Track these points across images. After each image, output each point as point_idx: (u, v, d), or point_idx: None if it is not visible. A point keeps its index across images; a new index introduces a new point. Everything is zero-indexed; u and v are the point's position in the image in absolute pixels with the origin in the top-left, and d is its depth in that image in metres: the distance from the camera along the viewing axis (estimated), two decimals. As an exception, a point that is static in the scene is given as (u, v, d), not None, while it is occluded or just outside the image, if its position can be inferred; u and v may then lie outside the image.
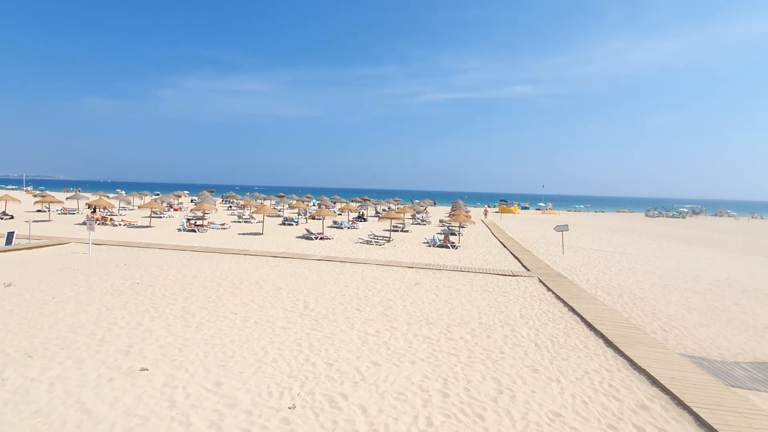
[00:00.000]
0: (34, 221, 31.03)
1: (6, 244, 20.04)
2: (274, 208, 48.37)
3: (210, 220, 36.45)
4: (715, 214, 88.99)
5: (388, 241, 27.30)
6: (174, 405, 6.48)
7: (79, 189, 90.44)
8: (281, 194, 72.14)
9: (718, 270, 21.08)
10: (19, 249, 19.30)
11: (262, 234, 29.85)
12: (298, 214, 45.00)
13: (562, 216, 69.67)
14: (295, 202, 50.19)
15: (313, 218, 42.91)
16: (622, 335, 10.14)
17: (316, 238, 27.69)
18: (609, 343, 9.78)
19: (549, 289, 15.09)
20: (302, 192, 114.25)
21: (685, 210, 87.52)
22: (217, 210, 42.74)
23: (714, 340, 10.72)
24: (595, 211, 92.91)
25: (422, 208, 52.72)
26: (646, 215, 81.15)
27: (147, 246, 21.83)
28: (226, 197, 67.25)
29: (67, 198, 46.14)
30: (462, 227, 36.16)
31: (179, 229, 30.83)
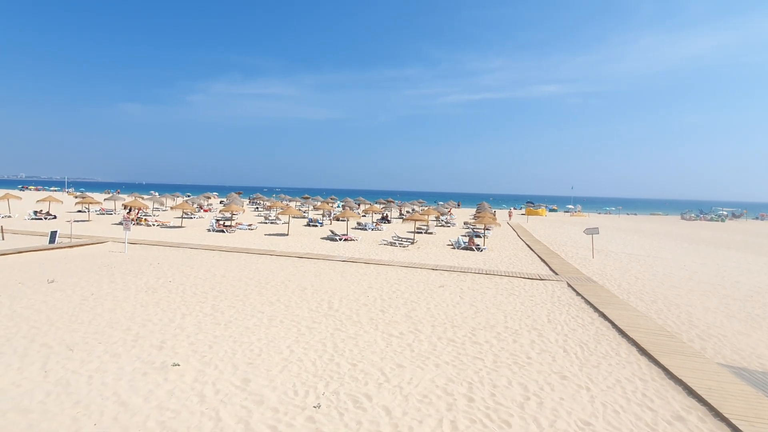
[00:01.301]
0: (75, 221, 32.72)
1: (49, 242, 21.19)
2: (299, 210, 49.12)
3: (238, 221, 37.39)
4: (757, 218, 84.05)
5: (412, 243, 27.23)
6: (204, 400, 6.68)
7: (119, 191, 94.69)
8: (306, 196, 73.20)
9: (760, 276, 19.93)
10: (61, 247, 20.37)
11: (287, 235, 30.37)
12: (323, 215, 45.52)
13: (592, 218, 67.57)
14: (319, 203, 50.80)
15: (338, 219, 43.31)
16: (657, 343, 9.73)
17: (340, 240, 27.93)
18: (642, 351, 9.41)
19: (578, 294, 14.67)
20: (327, 194, 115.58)
21: (725, 213, 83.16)
22: (244, 211, 43.82)
23: (755, 349, 10.13)
24: (627, 214, 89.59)
25: (446, 210, 52.35)
26: (683, 218, 77.60)
27: (179, 245, 22.60)
28: (253, 199, 68.82)
29: (105, 199, 48.42)
30: (487, 229, 35.65)
31: (209, 230, 31.76)
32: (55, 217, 36.45)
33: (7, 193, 42.56)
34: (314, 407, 6.57)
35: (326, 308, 12.01)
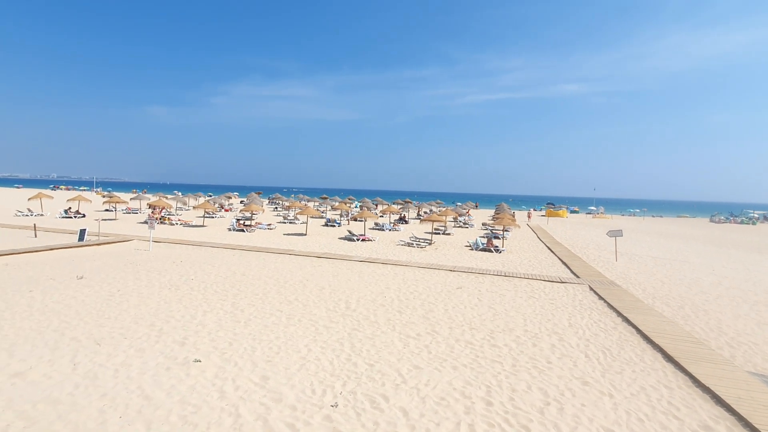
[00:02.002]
0: (102, 220, 33.86)
1: (79, 240, 22.00)
2: (318, 210, 49.53)
3: (257, 221, 37.98)
4: None
5: (430, 244, 27.10)
6: (224, 396, 6.81)
7: (145, 190, 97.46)
8: (324, 196, 73.81)
9: (798, 282, 18.99)
10: (89, 245, 21.11)
11: (305, 235, 30.67)
12: (341, 215, 45.79)
13: (615, 220, 65.84)
14: (337, 204, 51.13)
15: (355, 220, 43.49)
16: (684, 350, 9.41)
17: (357, 240, 28.04)
18: (668, 358, 9.11)
19: (600, 298, 14.32)
20: (344, 194, 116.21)
21: (756, 216, 79.65)
22: (264, 211, 44.46)
23: (792, 360, 9.67)
24: (653, 216, 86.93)
25: (464, 211, 51.89)
26: (711, 221, 74.76)
27: (200, 244, 23.12)
28: (273, 199, 69.77)
29: (131, 199, 49.94)
30: (506, 231, 35.17)
31: (229, 229, 32.37)
32: (84, 216, 37.80)
33: (40, 193, 44.38)
34: (332, 406, 6.61)
35: (344, 308, 12.07)
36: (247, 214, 39.28)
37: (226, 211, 51.34)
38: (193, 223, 36.04)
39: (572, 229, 44.13)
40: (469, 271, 18.16)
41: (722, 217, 76.46)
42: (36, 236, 23.85)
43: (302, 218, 42.28)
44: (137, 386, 7.01)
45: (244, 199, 66.35)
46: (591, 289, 15.70)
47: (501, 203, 65.27)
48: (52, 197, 50.98)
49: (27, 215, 37.47)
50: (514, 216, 43.03)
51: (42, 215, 37.95)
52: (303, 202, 61.67)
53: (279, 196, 70.87)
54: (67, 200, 45.31)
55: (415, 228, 38.57)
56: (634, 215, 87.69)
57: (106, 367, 7.70)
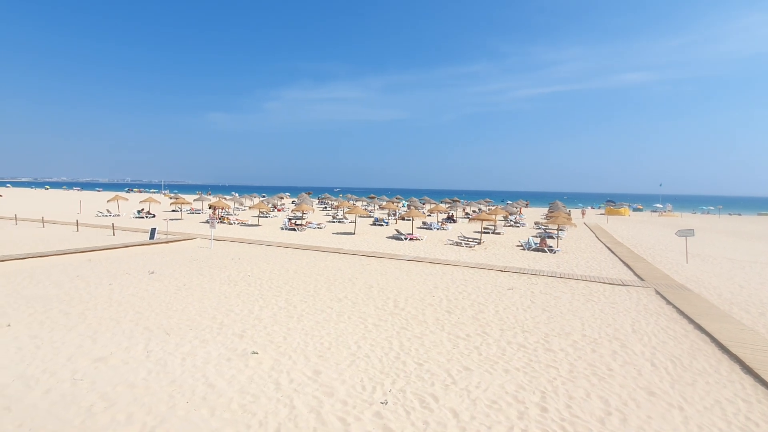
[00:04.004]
0: (170, 219, 36.64)
1: (150, 238, 23.96)
2: (366, 209, 50.19)
3: (308, 220, 39.22)
4: None
5: (479, 243, 26.52)
6: (279, 388, 7.11)
7: (210, 192, 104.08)
8: (372, 196, 74.60)
9: None
10: (159, 243, 22.93)
11: (354, 234, 31.20)
12: (388, 215, 46.07)
13: (685, 219, 60.54)
14: (385, 203, 51.50)
15: (403, 219, 43.56)
16: (765, 361, 8.46)
17: (405, 239, 28.07)
18: (747, 370, 8.23)
19: (669, 303, 13.25)
20: (392, 193, 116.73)
21: None
22: (314, 210, 45.82)
23: None
24: (729, 214, 78.84)
25: (515, 210, 50.22)
26: (802, 219, 66.47)
27: (256, 243, 24.29)
28: (322, 199, 71.68)
29: (194, 200, 53.63)
30: (561, 230, 33.57)
31: (282, 228, 33.71)
32: (154, 216, 41.10)
33: (117, 195, 48.93)
34: (381, 403, 6.68)
35: (392, 306, 12.14)
36: (298, 214, 40.68)
37: (279, 211, 53.50)
38: (249, 223, 37.92)
39: (635, 228, 41.18)
40: (521, 272, 17.55)
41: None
42: (114, 234, 26.32)
43: (350, 217, 43.05)
44: (202, 374, 7.51)
45: (296, 200, 68.77)
46: (657, 292, 14.58)
47: (555, 201, 62.40)
48: (127, 199, 55.97)
49: (106, 215, 41.42)
50: (569, 214, 40.95)
51: (118, 215, 41.75)
52: (351, 202, 62.77)
53: (328, 196, 72.67)
54: (140, 202, 49.70)
55: (464, 227, 37.90)
56: (708, 213, 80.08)
57: (175, 355, 8.32)
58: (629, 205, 78.90)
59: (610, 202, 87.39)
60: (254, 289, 13.75)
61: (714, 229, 44.52)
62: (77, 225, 29.94)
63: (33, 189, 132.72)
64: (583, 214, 59.94)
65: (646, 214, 70.64)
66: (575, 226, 29.25)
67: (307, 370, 7.80)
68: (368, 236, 29.86)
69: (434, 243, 26.86)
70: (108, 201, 51.19)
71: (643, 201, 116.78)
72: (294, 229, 32.82)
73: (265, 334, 9.65)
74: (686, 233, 21.89)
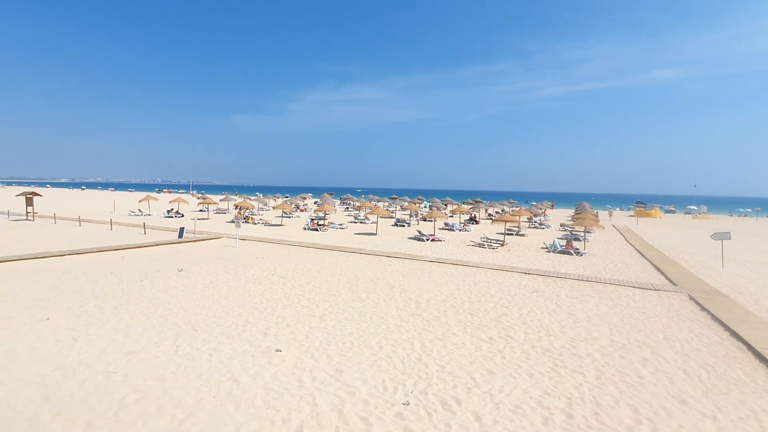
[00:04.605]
0: (198, 219, 37.72)
1: (178, 237, 24.74)
2: (387, 210, 50.24)
3: (330, 220, 39.59)
4: None
5: (502, 245, 26.12)
6: (302, 385, 7.21)
7: (236, 192, 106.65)
8: (394, 196, 74.64)
9: None
10: (187, 241, 23.65)
11: (376, 234, 31.28)
12: (410, 215, 45.96)
13: (720, 221, 57.82)
14: (407, 204, 51.41)
15: (425, 220, 43.38)
16: (814, 374, 7.98)
17: (427, 240, 27.94)
18: (792, 382, 7.79)
19: (703, 309, 12.69)
20: (414, 194, 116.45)
21: None
22: (336, 211, 46.21)
23: None
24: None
25: (540, 211, 49.20)
26: None
27: (279, 242, 24.71)
28: (344, 199, 72.22)
29: (220, 200, 55.03)
30: (588, 232, 32.68)
31: (304, 228, 34.15)
32: (182, 216, 42.40)
33: (148, 195, 50.74)
34: (403, 404, 6.67)
35: (413, 308, 12.11)
36: (321, 214, 41.11)
37: (302, 211, 54.22)
38: (273, 222, 38.60)
39: (667, 231, 39.64)
40: (546, 275, 17.18)
41: None
42: (145, 233, 27.31)
43: (372, 218, 43.20)
44: (227, 370, 7.70)
45: (318, 200, 69.57)
46: (691, 298, 13.99)
47: (582, 202, 60.78)
48: (158, 199, 57.94)
49: (138, 215, 43.02)
50: (597, 216, 39.80)
51: (149, 215, 43.27)
52: (373, 203, 62.98)
53: (350, 196, 73.19)
54: (169, 202, 51.33)
55: (486, 228, 37.42)
56: (745, 216, 76.22)
57: (202, 351, 8.56)
58: (661, 207, 76.05)
59: (640, 203, 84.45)
60: (278, 287, 13.98)
61: (751, 232, 42.33)
62: (111, 224, 31.22)
63: (70, 189, 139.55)
64: (610, 215, 58.20)
65: (678, 216, 67.90)
66: (603, 228, 28.40)
67: (329, 369, 7.88)
68: (390, 237, 29.89)
69: (456, 244, 26.63)
70: (140, 201, 53.27)
71: (676, 202, 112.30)
72: (316, 229, 33.19)
73: (288, 332, 9.80)
74: (722, 236, 20.91)
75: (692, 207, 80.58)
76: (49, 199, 69.42)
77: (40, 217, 36.52)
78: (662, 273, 18.32)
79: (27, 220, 34.32)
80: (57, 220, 34.21)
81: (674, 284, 16.00)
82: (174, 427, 5.86)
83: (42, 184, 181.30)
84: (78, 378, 7.23)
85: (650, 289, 15.12)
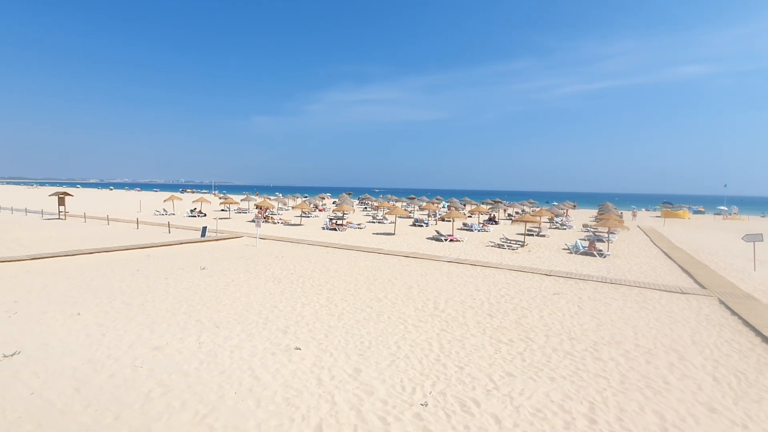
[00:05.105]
0: (219, 218, 38.53)
1: (201, 236, 25.34)
2: (405, 210, 50.18)
3: (348, 220, 39.80)
4: None
5: (522, 246, 25.73)
6: (321, 383, 7.28)
7: (257, 192, 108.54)
8: (412, 196, 74.47)
9: None
10: (209, 240, 24.19)
11: (394, 234, 31.28)
12: (428, 215, 45.77)
13: (752, 223, 55.41)
14: (425, 203, 51.21)
15: (443, 220, 43.13)
16: None
17: (445, 240, 27.77)
18: (832, 392, 7.41)
19: (734, 313, 12.20)
20: (432, 194, 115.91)
21: None
22: (354, 211, 46.42)
23: None
24: (808, 218, 71.22)
25: (562, 211, 48.23)
26: None
27: (298, 241, 25.00)
28: (362, 199, 72.47)
29: (241, 200, 56.14)
30: (612, 233, 31.85)
31: (323, 228, 34.45)
32: (205, 215, 43.39)
33: (172, 195, 52.19)
34: (421, 405, 6.66)
35: (432, 308, 12.06)
36: (339, 214, 41.39)
37: (320, 211, 54.69)
38: (292, 222, 39.07)
39: (695, 232, 38.25)
40: (568, 276, 16.83)
41: None
42: (169, 232, 28.08)
43: (390, 218, 43.21)
44: (248, 367, 7.85)
45: (336, 200, 70.03)
46: (721, 302, 13.47)
47: (605, 202, 59.30)
48: (181, 199, 59.50)
49: (162, 214, 44.25)
50: (621, 216, 38.74)
51: (173, 214, 44.46)
52: (391, 202, 63.00)
53: (368, 196, 73.36)
54: (192, 201, 52.72)
55: (506, 229, 36.92)
56: (781, 216, 72.79)
57: (224, 347, 8.75)
58: (689, 207, 73.46)
59: (667, 203, 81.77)
60: (297, 286, 14.15)
61: (789, 234, 40.37)
62: (137, 223, 32.23)
63: (99, 189, 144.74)
64: (634, 215, 56.56)
65: (708, 217, 65.41)
66: (628, 229, 27.62)
67: (347, 368, 7.93)
68: (408, 237, 29.84)
69: (475, 245, 26.38)
70: (164, 201, 54.79)
71: (705, 203, 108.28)
72: (335, 229, 33.42)
73: (307, 330, 9.92)
74: (754, 238, 20.05)
75: (722, 207, 77.39)
76: (80, 198, 72.16)
77: (71, 216, 38.04)
78: (690, 276, 17.70)
79: (59, 219, 35.80)
80: (87, 219, 35.55)
81: (703, 287, 15.44)
82: (197, 422, 6.01)
83: (73, 185, 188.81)
84: (107, 371, 7.49)
85: (678, 293, 14.63)
